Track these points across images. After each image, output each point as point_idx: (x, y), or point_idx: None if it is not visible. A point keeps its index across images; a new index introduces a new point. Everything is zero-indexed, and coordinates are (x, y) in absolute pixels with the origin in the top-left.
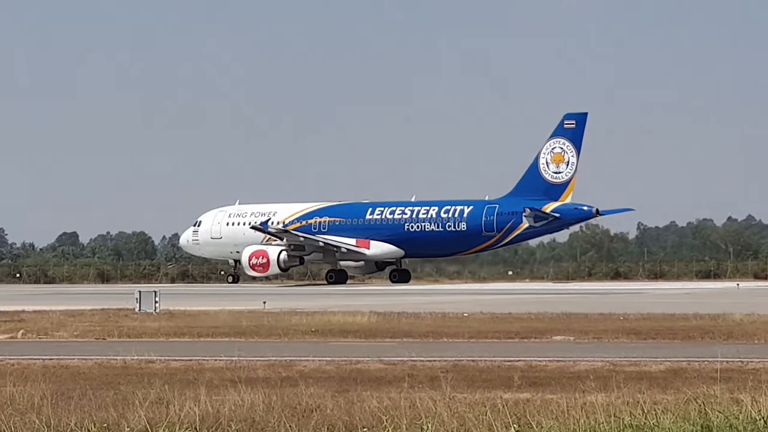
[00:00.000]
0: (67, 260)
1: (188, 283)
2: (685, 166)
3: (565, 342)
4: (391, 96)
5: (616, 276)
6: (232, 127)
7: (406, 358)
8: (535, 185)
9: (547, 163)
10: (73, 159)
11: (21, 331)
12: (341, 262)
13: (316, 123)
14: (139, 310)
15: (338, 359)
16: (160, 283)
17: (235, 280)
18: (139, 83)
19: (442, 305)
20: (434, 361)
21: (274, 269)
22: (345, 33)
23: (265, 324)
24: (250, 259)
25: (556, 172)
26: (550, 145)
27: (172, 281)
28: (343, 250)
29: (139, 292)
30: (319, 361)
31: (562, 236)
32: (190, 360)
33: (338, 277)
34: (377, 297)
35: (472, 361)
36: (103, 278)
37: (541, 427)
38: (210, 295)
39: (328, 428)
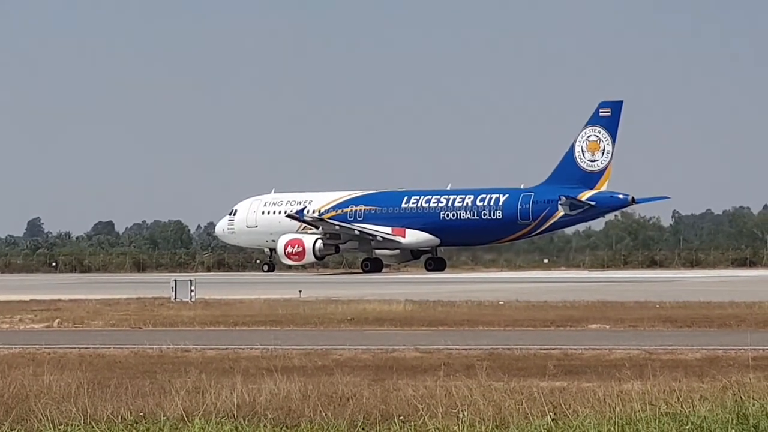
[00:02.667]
0: (103, 249)
1: (224, 271)
2: (722, 154)
3: (600, 330)
4: (428, 85)
5: (652, 264)
6: (268, 114)
7: (441, 347)
8: (570, 173)
9: (582, 151)
10: (109, 148)
11: (57, 320)
12: (377, 251)
13: (352, 111)
14: (175, 299)
15: (374, 348)
16: (196, 271)
17: (271, 269)
18: (176, 72)
19: (477, 293)
20: (470, 349)
21: (309, 258)
22: (381, 21)
23: (301, 313)
24: (285, 248)
25: (591, 160)
26: (585, 133)
27: (208, 270)
28: (379, 238)
29: (175, 281)
30: (355, 349)
31: (597, 224)
32: (226, 349)
33: (373, 265)
34: (413, 285)
35: (508, 349)
36: (139, 267)
37: (577, 416)
38: (246, 284)
39: (364, 417)
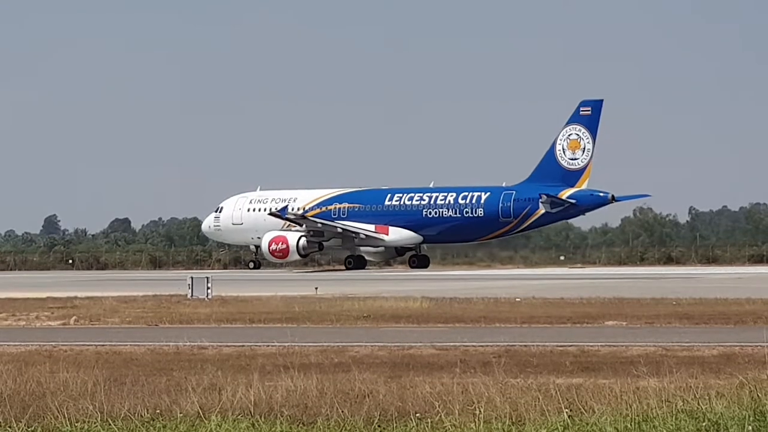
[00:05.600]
0: (120, 246)
1: (240, 268)
2: (738, 150)
3: (617, 327)
4: (413, 84)
5: (669, 261)
6: (269, 114)
7: (458, 343)
8: (551, 171)
9: (563, 149)
10: (125, 145)
11: (74, 318)
12: (361, 248)
13: (341, 110)
14: (192, 296)
15: (390, 344)
16: (212, 269)
17: (257, 266)
18: (188, 70)
19: (494, 290)
20: (486, 346)
21: (293, 255)
22: (362, 18)
23: (318, 309)
24: (270, 245)
25: (572, 159)
26: (566, 132)
27: (224, 267)
28: (362, 236)
29: (192, 278)
30: (372, 346)
31: (614, 221)
32: (243, 346)
33: (357, 262)
34: (429, 282)
35: (524, 346)
36: (156, 264)
37: (593, 412)
38: (262, 281)
39: (380, 414)
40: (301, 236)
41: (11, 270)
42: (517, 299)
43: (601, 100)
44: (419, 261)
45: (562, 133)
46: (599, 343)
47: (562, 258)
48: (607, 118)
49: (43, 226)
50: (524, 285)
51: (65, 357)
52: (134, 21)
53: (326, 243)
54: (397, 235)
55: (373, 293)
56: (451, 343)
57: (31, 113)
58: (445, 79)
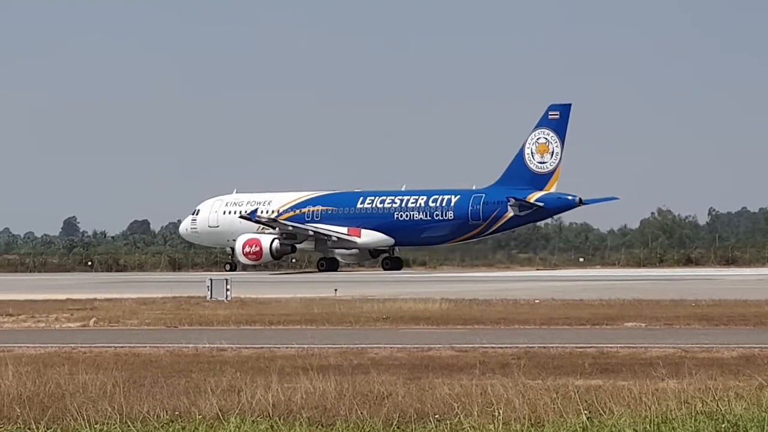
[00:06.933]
0: (139, 248)
1: (259, 270)
2: (760, 151)
3: (636, 328)
4: (390, 88)
5: (688, 262)
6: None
7: (477, 345)
8: (520, 175)
9: (532, 153)
10: (144, 147)
11: (93, 319)
12: (337, 251)
13: (320, 113)
14: (211, 298)
15: (410, 346)
16: (232, 270)
17: (233, 268)
18: (204, 70)
19: (513, 292)
20: (505, 347)
21: (266, 257)
22: (340, 19)
23: (337, 311)
24: (243, 248)
25: (540, 162)
26: (535, 136)
27: (244, 269)
28: (334, 238)
29: (211, 280)
30: (391, 348)
31: (633, 223)
32: (262, 348)
33: (329, 264)
34: (448, 284)
35: (544, 347)
36: (175, 266)
37: (612, 414)
38: (281, 283)
39: (399, 415)
40: (275, 239)
41: (31, 272)
42: (536, 301)
43: (569, 105)
44: (392, 263)
45: (530, 137)
46: (618, 345)
47: (581, 259)
48: (610, 118)
49: (62, 228)
50: (543, 287)
51: (84, 359)
52: (137, 20)
53: (299, 245)
54: (369, 237)
55: (392, 295)
56: (471, 345)
57: (49, 115)
58: (419, 84)
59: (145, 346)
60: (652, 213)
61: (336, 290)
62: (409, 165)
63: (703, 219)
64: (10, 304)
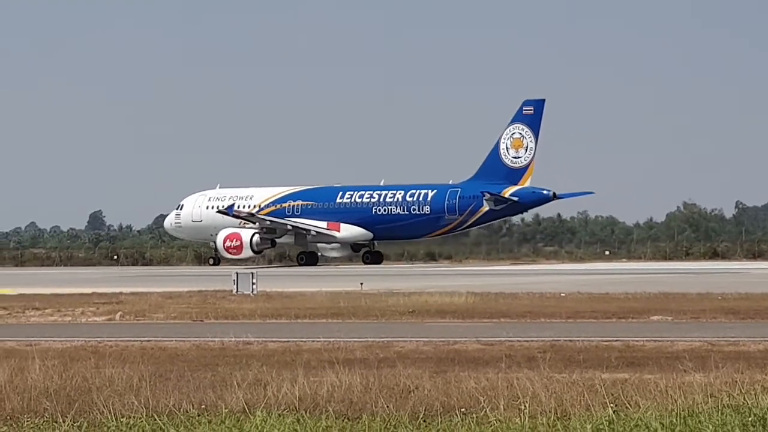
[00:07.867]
0: (164, 242)
1: (286, 264)
2: None
3: (662, 322)
4: (369, 83)
5: (714, 256)
6: (273, 111)
7: (503, 339)
8: (495, 170)
9: (507, 148)
10: (170, 141)
11: (119, 313)
12: (319, 245)
13: (302, 108)
14: (237, 291)
15: (436, 340)
16: (258, 264)
17: (216, 263)
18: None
19: (539, 285)
20: (531, 341)
21: (247, 252)
22: (320, 16)
23: (363, 305)
24: (224, 242)
25: (515, 157)
26: (510, 131)
27: (269, 263)
28: (313, 233)
29: (237, 273)
30: (417, 341)
31: (659, 216)
32: (288, 341)
33: (309, 259)
34: (475, 277)
35: (570, 341)
36: (201, 260)
37: (639, 407)
38: (307, 277)
39: (425, 409)
40: (255, 233)
41: (57, 266)
42: (562, 294)
43: (543, 100)
44: (372, 257)
45: (505, 132)
46: (644, 338)
47: (607, 253)
48: (603, 117)
49: (88, 222)
50: (569, 280)
51: (110, 352)
52: (139, 19)
53: (279, 240)
54: (348, 232)
55: (418, 288)
56: (497, 339)
57: (75, 109)
58: (401, 80)
59: (171, 340)
60: (678, 206)
61: (362, 284)
62: (389, 160)
63: (729, 212)
64: (37, 298)
